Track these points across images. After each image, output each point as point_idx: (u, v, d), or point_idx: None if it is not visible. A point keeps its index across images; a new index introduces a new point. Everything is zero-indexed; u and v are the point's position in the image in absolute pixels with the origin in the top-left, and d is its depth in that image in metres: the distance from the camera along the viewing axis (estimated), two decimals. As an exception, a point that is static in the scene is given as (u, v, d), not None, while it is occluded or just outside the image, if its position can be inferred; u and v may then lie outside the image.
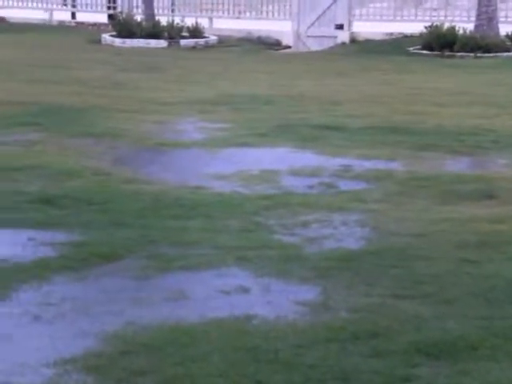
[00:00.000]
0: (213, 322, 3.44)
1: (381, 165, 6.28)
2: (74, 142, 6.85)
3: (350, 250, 4.36)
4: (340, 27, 15.69)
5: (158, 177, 5.88)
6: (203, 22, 16.70)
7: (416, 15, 15.74)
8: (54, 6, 19.23)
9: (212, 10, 17.80)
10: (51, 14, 18.87)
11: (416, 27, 14.72)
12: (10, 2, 19.64)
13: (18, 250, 4.18)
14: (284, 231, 4.65)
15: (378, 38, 15.41)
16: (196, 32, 16.02)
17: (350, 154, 6.59)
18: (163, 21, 16.25)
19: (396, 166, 6.29)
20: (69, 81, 10.24)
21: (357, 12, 16.11)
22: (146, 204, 5.08)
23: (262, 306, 3.63)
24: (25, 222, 4.59)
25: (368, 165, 6.26)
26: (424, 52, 13.93)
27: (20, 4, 19.48)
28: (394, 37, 15.34)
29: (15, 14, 18.74)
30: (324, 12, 15.75)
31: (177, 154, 6.76)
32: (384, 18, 16.13)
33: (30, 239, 4.34)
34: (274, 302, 3.68)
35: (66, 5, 19.84)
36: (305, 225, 4.76)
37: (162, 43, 15.40)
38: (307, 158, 6.53)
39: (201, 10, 17.88)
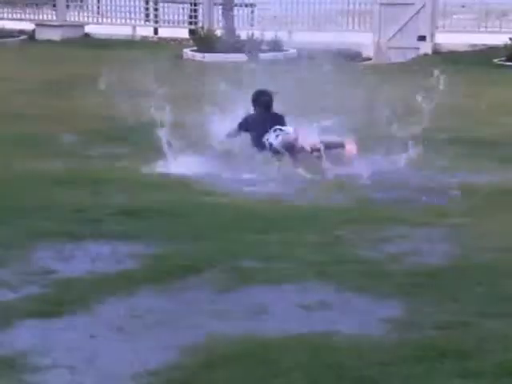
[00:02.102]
0: (294, 337, 3.39)
1: (465, 178, 6.12)
2: (157, 156, 6.92)
3: (434, 266, 4.24)
4: (422, 38, 15.46)
5: (238, 190, 5.88)
6: (283, 36, 16.75)
7: (500, 27, 15.38)
8: (137, 22, 19.66)
9: (291, 23, 17.84)
10: (134, 30, 19.30)
11: (500, 38, 14.39)
12: (95, 19, 20.19)
13: (102, 262, 4.23)
14: (365, 246, 4.56)
15: (461, 49, 15.12)
16: (275, 45, 16.07)
17: (433, 167, 6.45)
18: (243, 35, 16.38)
19: (480, 178, 6.11)
20: (153, 95, 10.39)
21: (440, 23, 15.86)
22: (227, 217, 5.08)
23: (344, 321, 3.56)
24: (109, 235, 4.66)
25: (451, 178, 6.11)
26: (508, 64, 13.58)
27: (104, 20, 20.01)
28: (477, 48, 15.03)
29: (99, 30, 19.25)
30: (406, 23, 15.56)
31: (257, 167, 6.72)
32: (467, 29, 15.83)
33: (114, 251, 4.39)
34: (356, 318, 3.61)
35: (148, 21, 20.27)
36: (387, 239, 4.66)
37: (242, 57, 15.51)
38: (389, 171, 6.40)
39: (280, 24, 17.95)
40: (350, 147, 6.60)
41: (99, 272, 4.08)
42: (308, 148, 6.43)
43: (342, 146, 6.65)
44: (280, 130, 6.66)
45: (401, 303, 3.74)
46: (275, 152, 6.52)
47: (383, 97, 10.56)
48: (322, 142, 6.52)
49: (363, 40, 16.37)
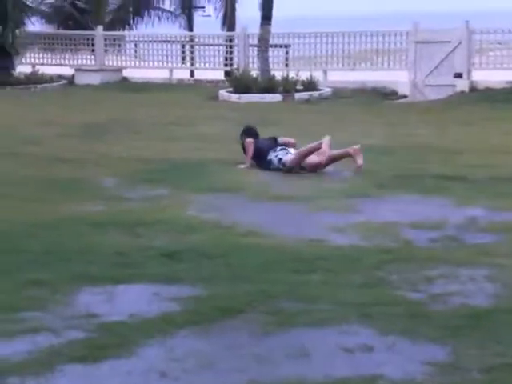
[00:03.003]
0: (337, 381, 3.34)
1: (508, 217, 6.03)
2: (196, 196, 6.99)
3: (479, 308, 4.16)
4: (459, 76, 15.43)
5: (277, 230, 5.88)
6: (317, 75, 16.86)
7: (537, 63, 15.31)
8: (174, 65, 19.98)
9: (326, 63, 17.97)
10: (171, 73, 19.61)
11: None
12: (132, 63, 20.57)
13: (144, 305, 4.24)
14: (408, 287, 4.50)
15: (498, 86, 15.04)
16: (310, 85, 16.17)
17: (475, 206, 6.38)
18: (278, 75, 16.53)
19: (524, 218, 6.02)
20: (190, 137, 10.52)
21: (476, 60, 15.83)
22: (266, 258, 5.07)
23: (388, 365, 3.50)
24: (149, 277, 4.67)
25: (494, 217, 6.03)
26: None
27: (141, 64, 20.38)
28: (515, 85, 14.93)
29: (136, 74, 19.60)
30: (442, 61, 15.55)
31: (294, 207, 6.75)
32: (504, 66, 15.76)
33: (154, 294, 4.40)
34: (400, 361, 3.54)
35: (184, 63, 20.60)
36: (430, 280, 4.60)
37: (277, 97, 15.62)
38: (429, 210, 6.36)
39: (315, 64, 18.09)
40: (358, 157, 8.05)
41: (140, 315, 4.08)
42: (322, 162, 8.15)
43: (348, 155, 8.17)
44: (285, 149, 8.41)
45: (445, 346, 3.67)
46: (284, 165, 8.23)
47: (421, 134, 10.55)
48: (329, 156, 8.20)
49: (399, 78, 16.40)
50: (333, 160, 8.23)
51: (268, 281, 4.58)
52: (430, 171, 7.92)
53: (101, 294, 4.41)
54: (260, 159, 8.41)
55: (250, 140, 8.55)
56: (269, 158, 8.32)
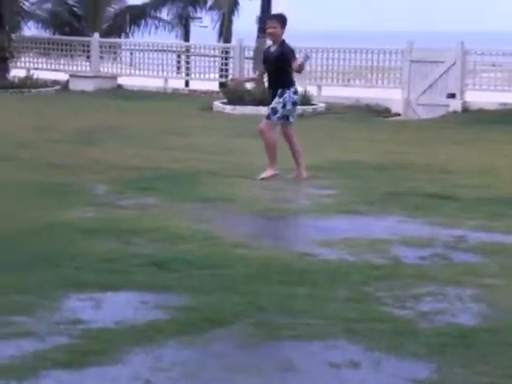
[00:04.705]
0: (322, 396, 3.34)
1: (497, 237, 6.06)
2: (186, 206, 7.00)
3: (466, 327, 4.17)
4: (452, 96, 15.54)
5: (266, 242, 5.89)
6: (312, 90, 16.93)
7: (531, 86, 15.43)
8: (169, 75, 20.03)
9: (321, 78, 18.05)
10: (166, 82, 19.65)
11: (531, 97, 14.42)
12: (127, 71, 20.61)
13: (131, 313, 4.23)
14: (395, 303, 4.51)
15: (491, 107, 15.15)
16: (304, 99, 16.22)
17: (464, 225, 6.41)
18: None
19: (512, 238, 6.05)
20: (183, 147, 10.54)
21: (469, 81, 15.94)
22: (255, 269, 5.07)
23: (374, 381, 3.51)
24: (137, 285, 4.67)
25: (483, 237, 6.06)
26: (539, 122, 13.55)
27: (136, 72, 20.42)
28: (508, 107, 15.05)
29: (131, 82, 19.64)
30: (435, 80, 15.65)
31: (284, 220, 6.77)
32: (498, 87, 15.88)
33: (142, 302, 4.39)
34: (386, 378, 3.55)
35: (179, 73, 20.65)
36: (417, 298, 4.61)
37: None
38: (418, 228, 6.39)
39: (310, 79, 18.18)
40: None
41: (127, 323, 4.07)
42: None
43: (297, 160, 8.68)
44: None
45: (430, 363, 3.68)
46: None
47: (412, 152, 10.61)
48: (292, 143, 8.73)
49: (392, 96, 16.49)
50: (291, 147, 8.63)
51: (256, 292, 4.59)
52: (420, 189, 7.96)
53: (88, 300, 4.40)
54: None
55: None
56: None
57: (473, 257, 5.54)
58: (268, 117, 8.45)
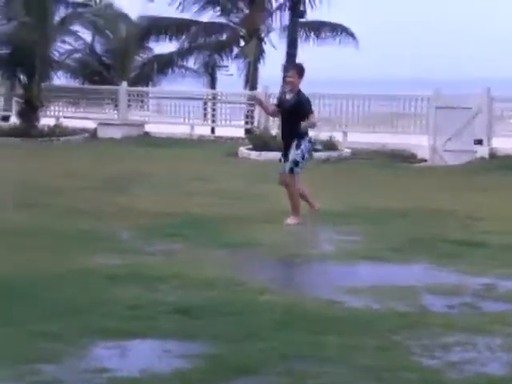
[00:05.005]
0: None
1: (523, 285, 5.98)
2: (211, 252, 7.01)
3: (496, 376, 4.10)
4: (479, 142, 15.47)
5: (292, 289, 5.86)
6: (337, 136, 16.99)
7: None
8: (195, 121, 20.24)
9: (346, 125, 18.12)
10: (192, 129, 19.85)
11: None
12: (154, 118, 20.87)
13: (155, 361, 4.21)
14: (423, 353, 4.45)
15: (519, 154, 15.05)
16: (330, 145, 16.28)
17: (492, 273, 6.33)
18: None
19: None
20: (209, 193, 10.60)
21: (497, 128, 15.88)
22: (280, 316, 5.04)
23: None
24: (162, 333, 4.66)
25: (511, 285, 5.97)
26: None
27: (163, 119, 20.66)
28: (536, 154, 14.93)
29: (158, 129, 19.87)
30: (462, 127, 15.62)
31: (310, 266, 6.73)
32: (525, 134, 15.79)
33: (166, 350, 4.38)
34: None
35: (206, 120, 20.87)
36: (445, 347, 4.54)
37: (297, 156, 15.72)
38: (445, 276, 6.32)
39: (335, 125, 18.24)
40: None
41: (152, 371, 4.05)
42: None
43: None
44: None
45: (460, 414, 3.61)
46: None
47: (438, 198, 10.54)
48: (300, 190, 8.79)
49: (418, 142, 16.47)
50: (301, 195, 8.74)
51: (281, 340, 4.55)
52: (446, 236, 7.89)
53: (113, 348, 4.39)
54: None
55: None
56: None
57: (502, 305, 5.46)
58: (291, 170, 8.57)
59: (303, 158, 8.58)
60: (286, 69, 17.03)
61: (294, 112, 8.47)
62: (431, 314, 5.23)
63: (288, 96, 8.69)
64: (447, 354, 4.43)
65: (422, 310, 5.34)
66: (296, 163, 8.54)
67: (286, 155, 8.63)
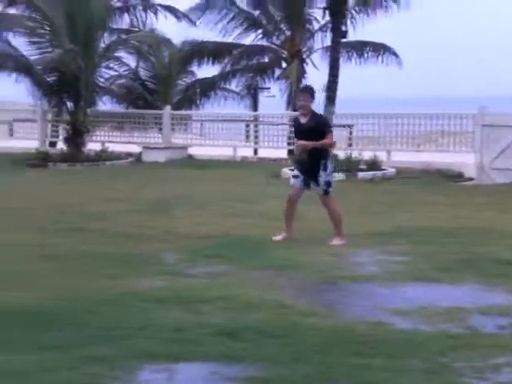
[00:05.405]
0: None
1: None
2: (255, 274, 6.98)
3: (550, 400, 3.97)
4: (526, 160, 15.19)
5: (338, 311, 5.78)
6: (381, 155, 16.88)
7: None
8: (238, 143, 20.32)
9: (390, 144, 17.99)
10: (235, 151, 19.93)
11: None
12: (197, 141, 21.02)
13: (201, 385, 4.19)
14: (474, 375, 4.33)
15: None
16: (374, 165, 16.17)
17: (543, 293, 6.17)
18: (341, 154, 16.59)
19: None
20: (252, 214, 10.59)
21: (543, 144, 15.59)
22: (326, 339, 4.98)
23: None
24: (208, 355, 4.63)
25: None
26: None
27: (206, 142, 20.80)
28: None
29: (202, 152, 20.00)
30: (509, 145, 15.37)
31: (355, 288, 6.65)
32: None
33: (212, 373, 4.35)
34: None
35: (248, 142, 20.94)
36: (496, 368, 4.43)
37: (340, 176, 15.65)
38: (495, 296, 6.18)
39: (379, 144, 18.14)
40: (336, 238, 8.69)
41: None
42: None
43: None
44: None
45: None
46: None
47: (486, 217, 10.35)
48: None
49: (464, 160, 16.26)
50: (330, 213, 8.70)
51: (327, 363, 4.49)
52: (495, 255, 7.73)
53: (159, 372, 4.38)
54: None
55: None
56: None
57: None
58: (326, 192, 8.65)
59: (333, 177, 8.74)
60: (328, 89, 17.02)
61: (313, 134, 8.51)
62: (481, 336, 5.11)
63: (302, 120, 8.69)
64: (498, 376, 4.31)
65: (472, 331, 5.22)
66: (329, 184, 8.64)
67: (305, 171, 8.65)
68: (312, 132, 8.51)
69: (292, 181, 8.86)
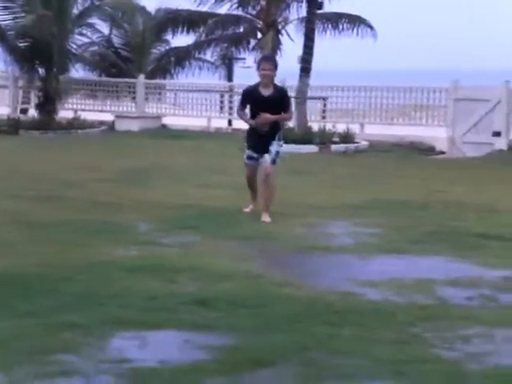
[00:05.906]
0: None
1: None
2: (228, 244, 7.01)
3: (515, 369, 4.07)
4: (497, 134, 15.36)
5: (309, 281, 5.85)
6: (354, 128, 16.94)
7: None
8: (212, 114, 20.24)
9: (364, 117, 18.05)
10: (209, 122, 19.85)
11: None
12: (171, 111, 20.90)
13: (174, 352, 4.23)
14: (443, 345, 4.43)
15: (537, 146, 14.94)
16: (347, 138, 16.24)
17: (509, 265, 6.28)
18: (315, 127, 16.63)
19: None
20: (225, 185, 10.60)
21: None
22: (298, 309, 5.04)
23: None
24: (181, 324, 4.67)
25: (529, 276, 5.93)
26: None
27: (180, 112, 20.69)
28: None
29: (175, 122, 19.89)
30: (480, 119, 15.51)
31: (328, 259, 6.72)
32: (544, 125, 15.65)
33: (185, 341, 4.39)
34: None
35: (223, 113, 20.86)
36: (465, 339, 4.52)
37: (314, 148, 15.71)
38: (465, 268, 6.29)
39: (352, 117, 18.19)
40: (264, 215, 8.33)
41: (171, 362, 4.06)
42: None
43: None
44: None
45: (481, 407, 3.59)
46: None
47: (457, 191, 10.48)
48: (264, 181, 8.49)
49: (436, 134, 16.38)
50: (263, 183, 8.38)
51: (300, 332, 4.55)
52: (466, 229, 7.84)
53: (133, 339, 4.41)
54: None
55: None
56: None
57: (520, 297, 5.42)
58: (274, 161, 8.42)
59: (281, 148, 8.54)
60: (303, 60, 16.98)
61: (277, 107, 8.25)
62: (450, 307, 5.21)
63: (265, 91, 8.26)
64: (467, 346, 4.40)
65: (442, 302, 5.32)
66: (278, 154, 8.41)
67: (260, 148, 8.37)
68: (277, 104, 8.22)
69: (246, 161, 8.56)
